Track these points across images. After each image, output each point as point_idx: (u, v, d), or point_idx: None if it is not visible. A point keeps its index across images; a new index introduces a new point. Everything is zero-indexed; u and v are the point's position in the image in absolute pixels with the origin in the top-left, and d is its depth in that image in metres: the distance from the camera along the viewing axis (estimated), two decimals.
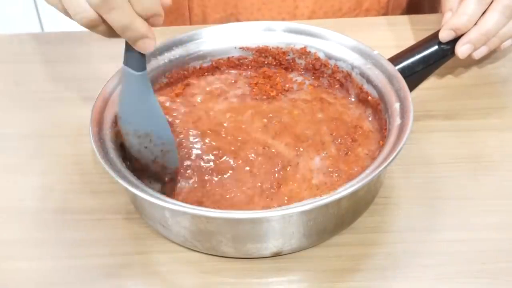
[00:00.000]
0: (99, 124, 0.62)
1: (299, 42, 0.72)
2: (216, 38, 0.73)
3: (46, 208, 0.66)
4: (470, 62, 0.78)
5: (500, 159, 0.68)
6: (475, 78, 0.77)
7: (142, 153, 0.61)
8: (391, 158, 0.56)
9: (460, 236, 0.61)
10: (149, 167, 0.62)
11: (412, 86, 0.69)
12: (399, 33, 0.85)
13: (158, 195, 0.56)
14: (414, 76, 0.68)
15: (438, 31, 0.70)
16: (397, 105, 0.62)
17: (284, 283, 0.59)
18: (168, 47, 0.71)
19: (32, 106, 0.78)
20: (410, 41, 0.82)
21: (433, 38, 0.70)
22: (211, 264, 0.60)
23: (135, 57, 0.57)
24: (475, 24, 0.69)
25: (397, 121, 0.61)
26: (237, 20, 0.91)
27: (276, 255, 0.60)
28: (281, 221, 0.56)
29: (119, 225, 0.64)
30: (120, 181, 0.56)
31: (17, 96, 0.80)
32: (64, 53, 0.86)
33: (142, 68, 0.58)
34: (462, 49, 0.69)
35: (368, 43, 0.69)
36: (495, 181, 0.66)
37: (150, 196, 0.55)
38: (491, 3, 0.68)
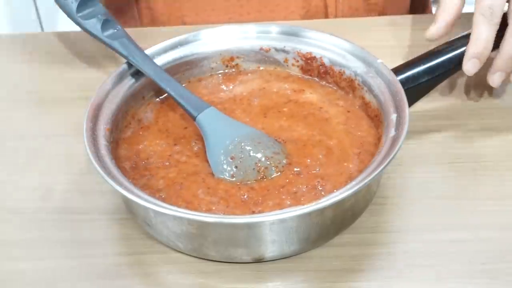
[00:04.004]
0: (94, 120, 0.63)
1: (304, 47, 0.72)
2: (215, 40, 0.73)
3: (45, 208, 0.66)
4: None
5: (500, 159, 0.68)
6: (475, 78, 0.77)
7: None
8: (374, 174, 0.56)
9: (460, 236, 0.61)
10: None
11: (416, 97, 0.68)
12: (402, 33, 0.85)
13: (142, 193, 0.57)
14: (418, 87, 0.67)
15: (445, 43, 0.69)
16: (393, 117, 0.62)
17: (284, 284, 0.59)
18: (172, 46, 0.72)
19: (32, 106, 0.78)
20: (414, 42, 0.82)
21: (440, 49, 0.69)
22: (208, 267, 0.60)
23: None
24: (498, 50, 0.68)
25: (391, 132, 0.61)
26: (184, 22, 0.92)
27: (258, 261, 0.60)
28: (263, 228, 0.57)
29: (118, 225, 0.64)
30: (106, 178, 0.57)
31: (17, 96, 0.80)
32: (64, 53, 0.86)
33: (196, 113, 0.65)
34: (494, 78, 0.69)
35: (368, 44, 0.69)
36: (495, 181, 0.66)
37: (132, 195, 0.56)
38: (505, 23, 0.67)
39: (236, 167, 0.62)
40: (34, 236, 0.63)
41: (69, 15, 0.71)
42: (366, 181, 0.56)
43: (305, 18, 0.92)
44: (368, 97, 0.67)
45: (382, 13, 0.95)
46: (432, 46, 0.70)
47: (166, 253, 0.61)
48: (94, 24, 0.70)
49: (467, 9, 0.72)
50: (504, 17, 0.67)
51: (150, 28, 0.90)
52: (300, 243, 0.59)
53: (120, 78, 0.68)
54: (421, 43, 0.75)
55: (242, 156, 0.63)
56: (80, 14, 0.70)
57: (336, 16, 0.92)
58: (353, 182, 0.56)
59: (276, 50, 0.73)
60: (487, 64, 0.69)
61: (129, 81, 0.69)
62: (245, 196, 0.60)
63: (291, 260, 0.60)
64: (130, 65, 0.69)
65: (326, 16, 0.93)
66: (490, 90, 0.76)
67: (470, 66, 0.67)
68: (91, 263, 0.61)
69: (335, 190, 0.58)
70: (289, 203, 0.59)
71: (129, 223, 0.63)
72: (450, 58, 0.68)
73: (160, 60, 0.71)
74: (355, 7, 0.93)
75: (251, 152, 0.63)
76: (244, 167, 0.62)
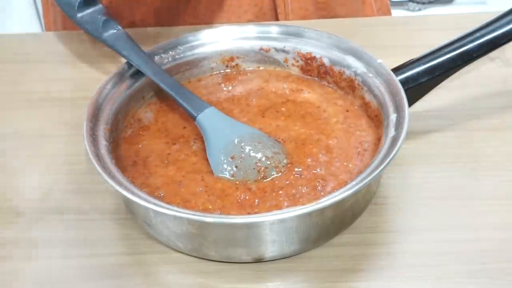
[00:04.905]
0: (94, 120, 0.63)
1: (304, 47, 0.72)
2: (215, 40, 0.73)
3: (45, 208, 0.66)
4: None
5: (500, 159, 0.68)
6: (475, 78, 0.77)
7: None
8: (374, 174, 0.56)
9: (460, 236, 0.61)
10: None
11: (416, 97, 0.68)
12: (402, 33, 0.85)
13: (142, 193, 0.57)
14: (418, 87, 0.67)
15: (446, 43, 0.69)
16: (393, 117, 0.62)
17: (284, 284, 0.59)
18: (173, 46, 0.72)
19: (32, 106, 0.78)
20: (414, 42, 0.82)
21: (440, 49, 0.69)
22: (208, 267, 0.60)
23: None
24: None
25: (391, 132, 0.61)
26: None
27: (258, 261, 0.60)
28: (263, 228, 0.57)
29: (118, 225, 0.64)
30: (106, 178, 0.57)
31: (17, 96, 0.80)
32: (64, 53, 0.86)
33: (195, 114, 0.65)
34: None
35: (368, 44, 0.69)
36: (495, 181, 0.66)
37: (132, 195, 0.56)
38: None
39: (236, 166, 0.62)
40: (34, 236, 0.63)
41: (69, 15, 0.71)
42: (366, 181, 0.56)
43: (258, 16, 0.92)
44: (368, 97, 0.67)
45: (332, 12, 0.95)
46: (432, 46, 0.70)
47: (166, 253, 0.61)
48: (94, 24, 0.70)
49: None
50: None
51: (150, 28, 0.90)
52: (300, 243, 0.59)
53: (120, 78, 0.68)
54: (421, 43, 0.75)
55: (243, 156, 0.63)
56: (80, 14, 0.70)
57: (286, 16, 0.92)
58: (353, 182, 0.56)
59: (276, 50, 0.73)
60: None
61: (129, 81, 0.69)
62: (242, 197, 0.60)
63: (291, 260, 0.60)
64: (130, 65, 0.69)
65: (276, 15, 0.92)
66: (490, 90, 0.76)
67: None
68: (91, 263, 0.61)
69: (335, 190, 0.58)
70: (286, 204, 0.59)
71: (129, 223, 0.63)
72: (450, 58, 0.68)
73: (160, 60, 0.71)
74: (305, 7, 0.93)
75: (251, 152, 0.63)
76: (244, 167, 0.62)
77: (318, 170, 0.62)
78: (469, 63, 0.68)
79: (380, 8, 1.00)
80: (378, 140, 0.64)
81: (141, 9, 0.91)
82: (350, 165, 0.63)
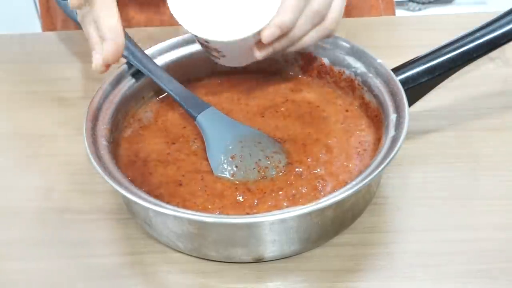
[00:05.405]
0: (94, 120, 0.63)
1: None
2: None
3: (45, 208, 0.66)
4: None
5: (500, 159, 0.68)
6: (475, 78, 0.77)
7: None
8: (374, 174, 0.56)
9: (460, 236, 0.61)
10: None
11: (416, 97, 0.68)
12: (402, 33, 0.85)
13: (141, 193, 0.57)
14: (418, 87, 0.67)
15: (446, 43, 0.69)
16: (393, 117, 0.62)
17: (284, 284, 0.59)
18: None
19: (32, 106, 0.79)
20: (414, 42, 0.82)
21: (440, 49, 0.69)
22: (208, 267, 0.60)
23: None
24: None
25: (391, 132, 0.61)
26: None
27: (258, 261, 0.60)
28: (263, 228, 0.57)
29: (118, 225, 0.64)
30: (106, 178, 0.57)
31: (17, 96, 0.80)
32: (64, 53, 0.86)
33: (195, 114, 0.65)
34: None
35: (368, 44, 0.69)
36: (495, 181, 0.66)
37: (132, 195, 0.56)
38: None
39: (236, 166, 0.62)
40: (34, 236, 0.63)
41: (70, 15, 0.71)
42: (366, 181, 0.56)
43: None
44: (368, 97, 0.67)
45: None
46: (432, 46, 0.70)
47: (166, 253, 0.61)
48: None
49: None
50: None
51: (150, 28, 0.90)
52: (300, 243, 0.59)
53: (120, 78, 0.68)
54: (421, 43, 0.75)
55: (242, 155, 0.63)
56: None
57: None
58: (353, 182, 0.56)
59: None
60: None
61: (129, 81, 0.69)
62: (241, 197, 0.60)
63: (291, 260, 0.60)
64: (130, 65, 0.69)
65: None
66: (490, 90, 0.76)
67: (269, 33, 0.61)
68: (91, 263, 0.61)
69: (335, 190, 0.58)
70: (286, 204, 0.59)
71: (129, 223, 0.64)
72: (450, 58, 0.68)
73: (160, 60, 0.71)
74: None
75: (251, 151, 0.63)
76: (244, 167, 0.62)
77: (318, 170, 0.62)
78: (469, 63, 0.68)
79: None
80: (378, 140, 0.64)
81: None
82: (350, 165, 0.63)
